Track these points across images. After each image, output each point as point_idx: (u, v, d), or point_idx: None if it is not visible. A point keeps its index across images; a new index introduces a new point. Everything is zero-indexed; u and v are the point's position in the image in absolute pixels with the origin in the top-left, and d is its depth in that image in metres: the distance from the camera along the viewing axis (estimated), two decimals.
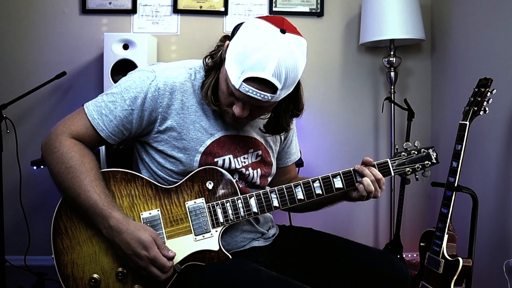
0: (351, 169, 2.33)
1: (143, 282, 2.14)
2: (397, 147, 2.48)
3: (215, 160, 2.27)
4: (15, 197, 4.22)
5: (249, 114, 2.15)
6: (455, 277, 3.07)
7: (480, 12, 3.92)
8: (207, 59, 2.27)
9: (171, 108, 2.21)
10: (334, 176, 2.31)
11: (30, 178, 4.40)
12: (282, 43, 1.98)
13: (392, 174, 2.38)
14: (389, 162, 2.38)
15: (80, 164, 2.09)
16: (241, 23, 2.16)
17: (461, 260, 3.08)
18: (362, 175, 2.30)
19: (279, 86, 2.00)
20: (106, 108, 2.17)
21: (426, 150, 2.43)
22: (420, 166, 2.41)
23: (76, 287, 2.13)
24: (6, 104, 3.86)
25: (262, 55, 1.96)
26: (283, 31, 2.01)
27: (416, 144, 2.44)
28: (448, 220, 3.15)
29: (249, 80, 1.99)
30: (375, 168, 2.34)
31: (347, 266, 2.34)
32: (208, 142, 2.27)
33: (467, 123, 3.09)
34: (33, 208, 4.40)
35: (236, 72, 2.01)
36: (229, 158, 2.31)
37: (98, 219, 2.05)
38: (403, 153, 2.41)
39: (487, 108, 3.06)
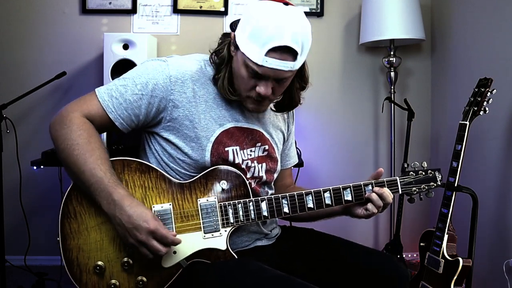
0: (362, 183, 2.38)
1: (147, 273, 2.18)
2: (405, 164, 2.52)
3: (226, 149, 2.33)
4: (15, 197, 4.25)
5: (272, 92, 2.24)
6: (455, 277, 3.12)
7: (480, 12, 3.98)
8: (213, 57, 2.35)
9: (182, 96, 2.27)
10: (345, 188, 2.36)
11: (30, 178, 4.43)
12: (290, 13, 2.12)
13: (400, 192, 2.43)
14: (398, 180, 2.42)
15: (87, 143, 2.13)
16: (238, 19, 2.27)
17: (461, 260, 3.12)
18: (368, 200, 2.36)
19: (299, 51, 2.12)
20: (116, 91, 2.22)
21: (432, 172, 2.47)
22: (426, 187, 2.45)
23: (80, 272, 2.17)
24: (6, 104, 3.90)
25: (277, 25, 2.07)
26: (286, 4, 2.15)
27: (423, 165, 2.48)
28: (448, 220, 3.20)
29: (271, 52, 2.09)
30: (385, 185, 2.39)
31: (348, 266, 2.39)
32: (218, 132, 2.33)
33: (467, 123, 3.13)
34: (33, 208, 4.44)
35: (256, 49, 2.10)
36: (236, 149, 2.36)
37: (102, 194, 2.07)
38: (411, 172, 2.45)
39: (487, 108, 3.11)
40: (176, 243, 2.10)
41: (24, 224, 4.27)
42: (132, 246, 2.10)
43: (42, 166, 3.92)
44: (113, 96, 2.21)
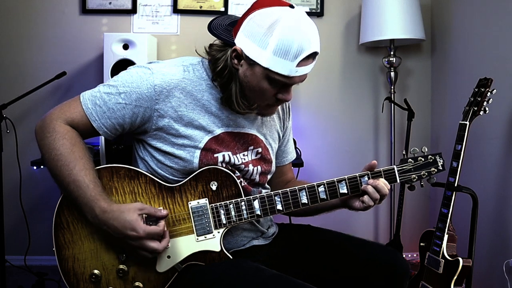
0: (357, 174, 2.32)
1: (143, 279, 2.17)
2: (403, 152, 2.47)
3: (215, 155, 2.29)
4: (15, 197, 4.22)
5: None
6: (455, 277, 3.09)
7: (480, 12, 3.94)
8: (216, 78, 2.27)
9: (168, 105, 2.22)
10: (339, 181, 2.31)
11: (30, 178, 4.41)
12: (301, 17, 2.13)
13: (398, 181, 2.36)
14: (395, 169, 2.36)
15: (70, 152, 2.10)
16: (217, 18, 2.32)
17: (461, 260, 3.08)
18: (364, 193, 2.32)
19: (319, 51, 2.16)
20: (100, 99, 2.18)
21: (433, 157, 2.39)
22: (426, 173, 2.38)
23: (77, 281, 2.16)
24: (6, 104, 3.87)
25: (302, 36, 2.08)
26: (292, 6, 2.14)
27: (423, 150, 2.40)
28: (448, 220, 3.16)
29: (301, 61, 2.10)
30: (382, 175, 2.34)
31: (346, 260, 2.38)
32: (207, 138, 2.28)
33: (467, 123, 3.10)
34: (33, 208, 4.42)
35: (287, 63, 2.09)
36: (228, 154, 2.32)
37: (85, 208, 2.07)
38: (409, 159, 2.38)
39: (487, 108, 3.07)
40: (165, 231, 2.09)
41: (24, 224, 4.24)
42: (131, 252, 2.10)
43: (42, 166, 3.91)
44: (97, 104, 2.17)
